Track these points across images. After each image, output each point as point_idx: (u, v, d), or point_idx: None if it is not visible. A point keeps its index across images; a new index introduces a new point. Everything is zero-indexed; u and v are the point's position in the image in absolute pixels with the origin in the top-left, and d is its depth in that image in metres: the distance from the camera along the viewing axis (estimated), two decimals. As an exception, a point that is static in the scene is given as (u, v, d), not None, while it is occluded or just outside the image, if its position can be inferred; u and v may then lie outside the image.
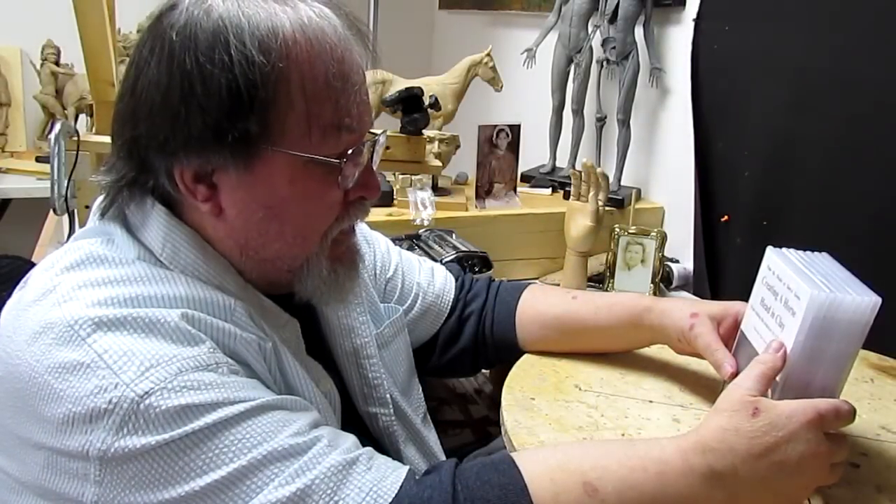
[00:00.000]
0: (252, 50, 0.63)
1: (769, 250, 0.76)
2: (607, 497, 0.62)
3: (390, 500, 0.60)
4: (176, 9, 0.66)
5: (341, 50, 0.67)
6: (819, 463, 0.64)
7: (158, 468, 0.57)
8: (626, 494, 0.62)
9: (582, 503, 0.62)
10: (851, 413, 0.65)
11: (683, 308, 0.85)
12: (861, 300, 0.65)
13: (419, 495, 0.61)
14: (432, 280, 1.00)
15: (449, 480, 0.62)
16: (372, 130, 0.74)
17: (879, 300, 0.65)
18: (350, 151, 0.69)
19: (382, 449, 0.85)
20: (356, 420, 0.85)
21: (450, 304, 0.99)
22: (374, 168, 0.76)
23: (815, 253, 0.75)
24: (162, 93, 0.64)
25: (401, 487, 0.61)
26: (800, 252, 0.75)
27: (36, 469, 0.61)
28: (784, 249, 0.75)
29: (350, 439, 0.66)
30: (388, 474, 0.63)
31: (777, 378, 0.68)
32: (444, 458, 0.92)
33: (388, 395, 0.86)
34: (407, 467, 0.65)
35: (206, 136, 0.64)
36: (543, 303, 0.96)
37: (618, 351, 0.95)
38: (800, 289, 0.67)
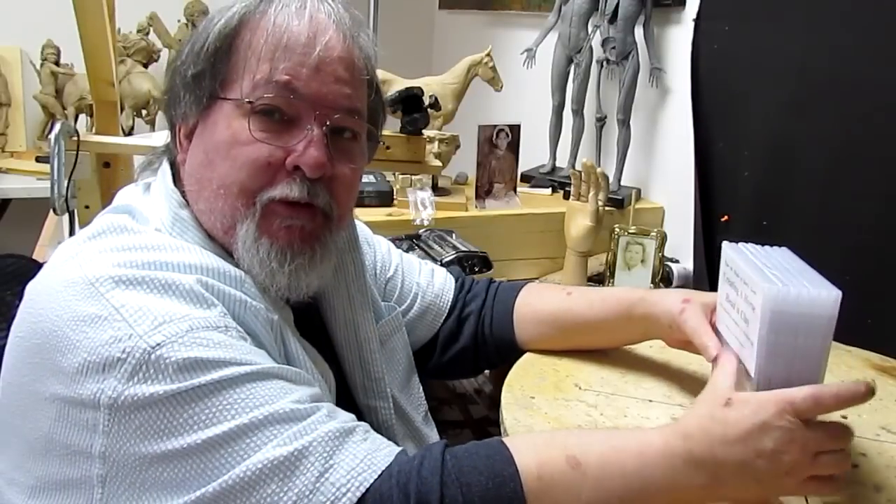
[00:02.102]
0: (229, 17, 0.74)
1: (725, 245, 0.75)
2: (589, 469, 0.63)
3: (383, 468, 0.62)
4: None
5: (306, 20, 0.73)
6: (798, 449, 0.63)
7: (164, 418, 0.60)
8: (607, 469, 0.63)
9: (565, 474, 0.63)
10: (839, 397, 0.63)
11: (676, 295, 0.85)
12: (818, 293, 0.63)
13: (410, 462, 0.63)
14: (432, 280, 1.01)
15: (439, 451, 0.64)
16: (350, 122, 0.76)
17: (840, 294, 0.63)
18: (270, 96, 0.71)
19: None
20: (356, 413, 0.85)
21: (449, 303, 1.00)
22: (319, 149, 0.72)
23: (773, 247, 0.74)
24: (176, 58, 0.79)
25: (395, 458, 0.63)
26: (756, 246, 0.74)
27: (47, 423, 0.63)
28: (741, 244, 0.74)
29: (349, 414, 0.67)
30: (383, 447, 0.64)
31: (752, 375, 0.67)
32: None
33: (388, 389, 0.87)
34: (401, 448, 0.66)
35: (177, 85, 0.76)
36: (539, 300, 0.97)
37: (614, 346, 0.95)
38: (755, 283, 0.66)
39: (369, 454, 0.62)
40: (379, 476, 0.61)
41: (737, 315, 0.72)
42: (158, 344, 0.60)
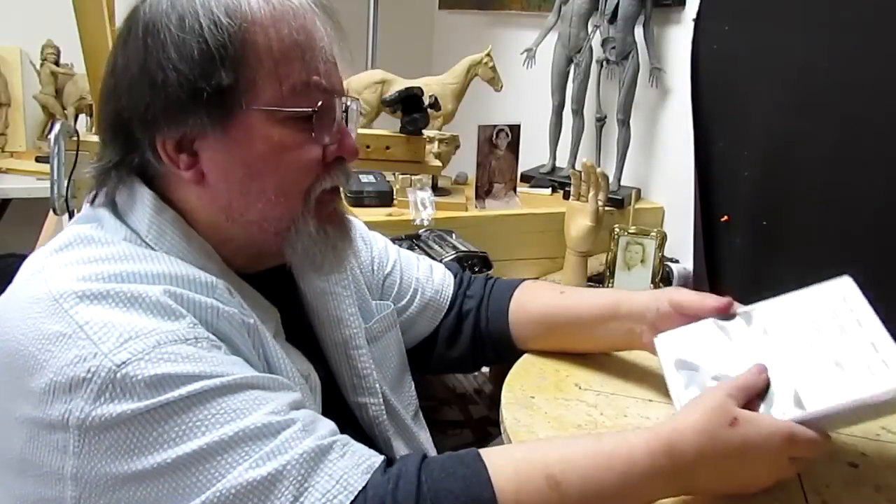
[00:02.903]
0: (219, 15, 0.67)
1: (849, 280, 0.74)
2: (569, 490, 0.62)
3: (359, 489, 0.60)
4: None
5: (303, 13, 0.71)
6: (778, 469, 0.67)
7: (134, 437, 0.58)
8: (587, 489, 0.63)
9: (543, 495, 0.62)
10: (823, 450, 0.68)
11: (649, 292, 0.88)
12: None
13: (384, 486, 0.61)
14: (431, 276, 1.01)
15: (414, 472, 0.62)
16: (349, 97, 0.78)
17: None
18: (320, 104, 0.71)
19: (372, 440, 0.85)
20: (345, 411, 0.85)
21: (449, 299, 1.00)
22: (351, 132, 0.77)
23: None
24: (139, 64, 0.68)
25: (370, 477, 0.61)
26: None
27: (19, 444, 0.62)
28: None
29: (328, 426, 0.65)
30: (362, 462, 0.62)
31: (810, 413, 0.67)
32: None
33: (377, 385, 0.87)
34: (382, 457, 0.64)
35: (182, 98, 0.67)
36: (532, 301, 0.97)
37: (601, 349, 0.95)
38: (884, 374, 0.65)
39: (345, 474, 0.60)
40: (354, 499, 0.59)
41: (823, 341, 0.71)
42: (124, 362, 0.59)
